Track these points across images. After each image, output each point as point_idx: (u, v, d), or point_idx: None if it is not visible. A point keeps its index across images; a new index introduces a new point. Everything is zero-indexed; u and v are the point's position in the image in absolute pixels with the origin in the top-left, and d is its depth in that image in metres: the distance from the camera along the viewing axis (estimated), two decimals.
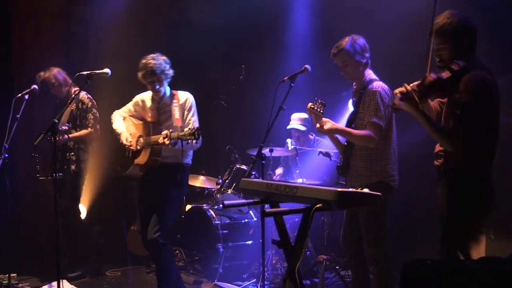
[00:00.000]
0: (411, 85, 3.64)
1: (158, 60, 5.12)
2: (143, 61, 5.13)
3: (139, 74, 5.16)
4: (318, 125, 4.63)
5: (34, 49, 7.47)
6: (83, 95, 6.34)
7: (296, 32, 7.53)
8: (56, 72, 6.34)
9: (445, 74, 3.60)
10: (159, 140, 4.84)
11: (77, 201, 6.51)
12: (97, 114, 6.41)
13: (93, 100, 6.40)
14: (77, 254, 6.47)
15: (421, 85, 3.61)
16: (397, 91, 3.66)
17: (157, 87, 5.15)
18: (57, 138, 5.85)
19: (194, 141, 4.72)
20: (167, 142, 4.80)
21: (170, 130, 4.86)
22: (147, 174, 5.24)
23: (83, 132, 6.32)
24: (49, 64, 6.98)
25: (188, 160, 5.31)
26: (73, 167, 6.30)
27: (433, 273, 2.41)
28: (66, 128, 6.02)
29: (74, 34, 7.53)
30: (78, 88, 6.22)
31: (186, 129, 4.72)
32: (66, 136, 6.00)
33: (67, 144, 6.21)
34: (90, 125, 6.34)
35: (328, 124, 4.59)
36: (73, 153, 6.30)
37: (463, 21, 3.69)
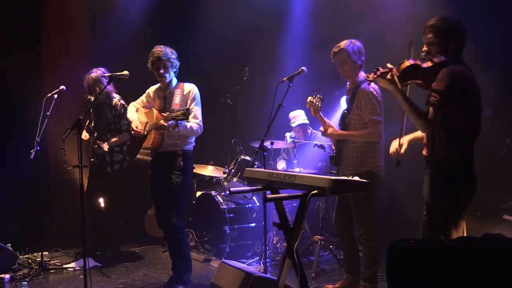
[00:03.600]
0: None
1: (165, 49, 5.04)
2: (152, 50, 5.08)
3: (148, 63, 5.08)
4: (322, 129, 4.79)
5: (62, 55, 7.47)
6: (117, 101, 6.20)
7: (294, 38, 7.53)
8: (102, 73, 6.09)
9: (426, 64, 3.60)
10: (159, 122, 4.81)
11: (114, 200, 6.45)
12: None
13: (126, 105, 6.21)
14: (101, 235, 6.48)
15: (398, 68, 3.60)
16: (380, 71, 3.62)
17: (162, 71, 5.03)
18: (97, 146, 5.90)
19: (186, 121, 4.72)
20: (163, 122, 4.76)
21: (167, 113, 4.84)
22: (154, 163, 5.17)
23: (117, 137, 6.22)
24: (76, 67, 6.99)
25: (190, 146, 5.16)
26: (109, 168, 6.24)
27: (416, 251, 2.42)
28: (104, 144, 6.00)
29: (97, 41, 7.52)
30: (112, 90, 6.25)
31: (179, 111, 4.68)
32: (106, 147, 5.98)
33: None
34: (123, 129, 6.20)
35: (330, 129, 4.76)
36: (108, 156, 6.21)
37: (456, 22, 3.67)
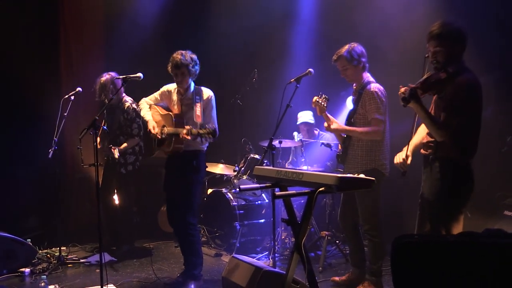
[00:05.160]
0: (413, 84, 3.61)
1: (185, 56, 4.95)
2: (173, 54, 5.00)
3: (168, 66, 5.03)
4: (326, 124, 4.72)
5: (78, 58, 7.50)
6: (129, 105, 6.18)
7: (301, 41, 7.53)
8: (112, 77, 6.08)
9: (442, 75, 3.60)
10: (181, 135, 4.77)
11: (128, 197, 6.43)
12: (141, 121, 6.19)
13: (137, 109, 6.07)
14: (117, 231, 6.50)
15: (425, 82, 3.60)
16: (402, 90, 3.59)
17: (179, 79, 5.00)
18: (112, 150, 5.88)
19: (211, 138, 4.70)
20: (188, 137, 4.74)
21: (191, 127, 4.76)
22: (169, 161, 5.16)
23: (128, 142, 6.18)
24: (91, 70, 7.03)
25: (203, 146, 5.12)
26: (123, 169, 6.24)
27: (420, 245, 2.42)
28: (115, 149, 5.93)
29: (111, 45, 7.55)
30: (124, 95, 6.25)
31: (206, 129, 4.64)
32: (116, 155, 5.90)
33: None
34: (134, 133, 6.20)
35: (335, 124, 4.71)
36: (122, 158, 6.17)
37: (459, 29, 3.67)
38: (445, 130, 3.59)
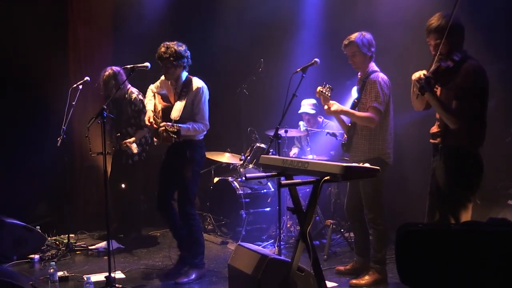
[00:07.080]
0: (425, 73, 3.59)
1: (168, 49, 4.77)
2: (159, 47, 4.85)
3: None
4: (326, 107, 4.67)
5: (86, 48, 7.50)
6: (135, 96, 6.14)
7: (308, 30, 7.49)
8: (114, 72, 6.07)
9: (450, 63, 3.62)
10: (160, 131, 4.71)
11: (136, 186, 6.46)
12: None
13: (144, 99, 6.08)
14: (124, 219, 6.53)
15: (436, 72, 3.60)
16: (417, 76, 3.55)
17: (163, 72, 4.91)
18: (129, 145, 5.93)
19: (175, 136, 4.58)
20: (164, 134, 4.69)
21: (166, 124, 4.68)
22: (168, 150, 5.12)
23: (137, 134, 6.17)
24: (99, 59, 7.02)
25: (198, 136, 4.98)
26: (130, 161, 6.23)
27: (424, 234, 2.42)
28: (132, 145, 5.96)
29: (119, 35, 7.54)
30: (130, 86, 6.24)
31: (173, 127, 4.58)
32: (135, 150, 5.95)
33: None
34: (143, 125, 6.04)
35: (335, 106, 4.66)
36: (128, 149, 6.13)
37: (455, 20, 3.66)
38: (458, 117, 3.60)
